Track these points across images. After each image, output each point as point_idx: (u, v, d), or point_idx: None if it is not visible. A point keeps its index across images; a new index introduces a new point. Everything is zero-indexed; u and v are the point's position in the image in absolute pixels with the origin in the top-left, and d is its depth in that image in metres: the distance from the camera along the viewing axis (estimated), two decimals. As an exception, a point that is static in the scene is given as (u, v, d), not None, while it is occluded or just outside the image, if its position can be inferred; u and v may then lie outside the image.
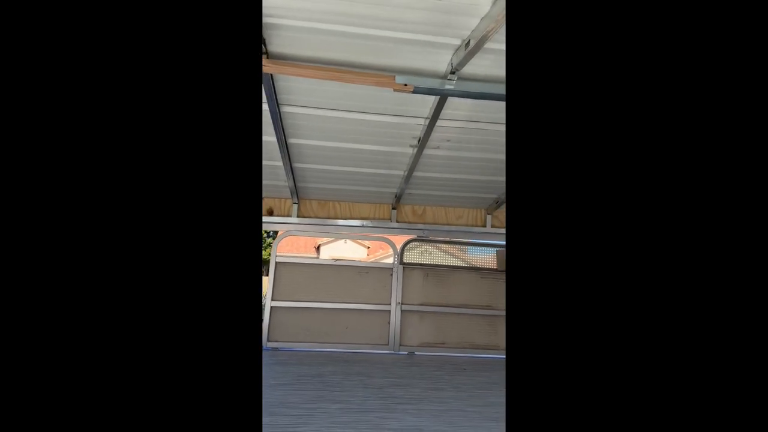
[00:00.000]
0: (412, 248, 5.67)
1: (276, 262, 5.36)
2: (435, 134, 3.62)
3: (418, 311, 5.55)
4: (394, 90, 2.76)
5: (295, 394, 3.38)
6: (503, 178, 4.55)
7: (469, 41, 2.43)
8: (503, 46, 2.50)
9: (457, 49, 2.59)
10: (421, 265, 5.66)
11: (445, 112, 3.28)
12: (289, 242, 16.03)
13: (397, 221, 5.38)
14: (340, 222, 5.35)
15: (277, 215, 5.26)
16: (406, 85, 2.74)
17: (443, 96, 3.00)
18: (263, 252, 13.18)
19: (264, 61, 2.57)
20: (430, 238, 5.57)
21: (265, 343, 5.21)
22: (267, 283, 5.28)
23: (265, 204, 5.25)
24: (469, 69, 2.70)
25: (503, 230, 5.49)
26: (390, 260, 5.68)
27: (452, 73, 2.71)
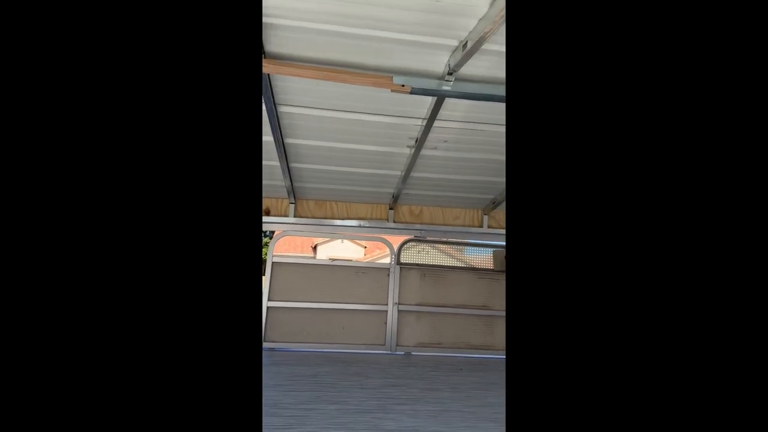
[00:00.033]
0: (409, 248, 5.67)
1: (273, 262, 5.35)
2: (432, 135, 3.63)
3: (414, 311, 5.54)
4: (392, 90, 2.77)
5: (291, 394, 3.38)
6: (500, 179, 4.56)
7: (466, 42, 2.43)
8: (501, 48, 2.51)
9: (454, 50, 2.59)
10: (417, 265, 5.65)
11: (443, 113, 3.28)
12: (286, 242, 16.00)
13: (394, 221, 5.37)
14: (337, 222, 5.34)
15: (274, 215, 5.25)
16: (403, 85, 2.74)
17: (440, 97, 3.01)
18: (260, 252, 13.07)
19: (262, 61, 2.56)
20: (427, 238, 5.57)
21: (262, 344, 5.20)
22: (263, 283, 5.28)
23: (263, 204, 5.24)
24: (466, 70, 2.71)
25: (500, 231, 5.51)
26: (387, 260, 5.68)
27: (449, 74, 2.72)
